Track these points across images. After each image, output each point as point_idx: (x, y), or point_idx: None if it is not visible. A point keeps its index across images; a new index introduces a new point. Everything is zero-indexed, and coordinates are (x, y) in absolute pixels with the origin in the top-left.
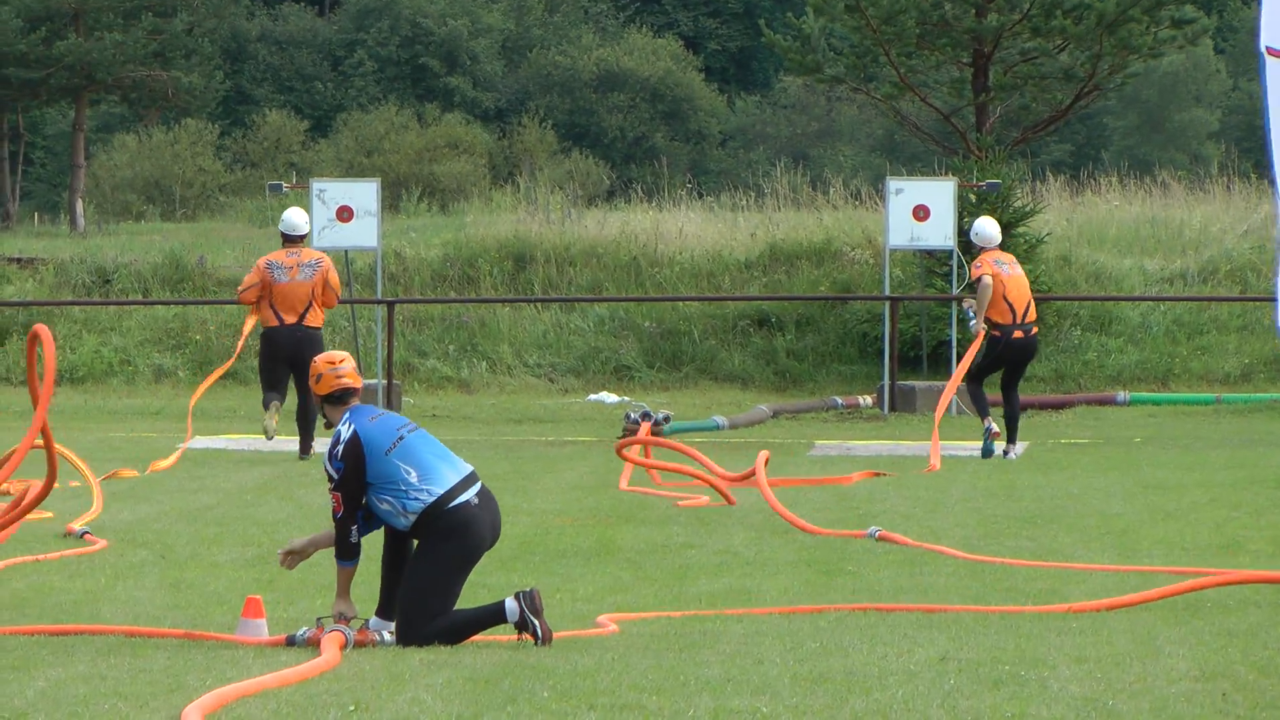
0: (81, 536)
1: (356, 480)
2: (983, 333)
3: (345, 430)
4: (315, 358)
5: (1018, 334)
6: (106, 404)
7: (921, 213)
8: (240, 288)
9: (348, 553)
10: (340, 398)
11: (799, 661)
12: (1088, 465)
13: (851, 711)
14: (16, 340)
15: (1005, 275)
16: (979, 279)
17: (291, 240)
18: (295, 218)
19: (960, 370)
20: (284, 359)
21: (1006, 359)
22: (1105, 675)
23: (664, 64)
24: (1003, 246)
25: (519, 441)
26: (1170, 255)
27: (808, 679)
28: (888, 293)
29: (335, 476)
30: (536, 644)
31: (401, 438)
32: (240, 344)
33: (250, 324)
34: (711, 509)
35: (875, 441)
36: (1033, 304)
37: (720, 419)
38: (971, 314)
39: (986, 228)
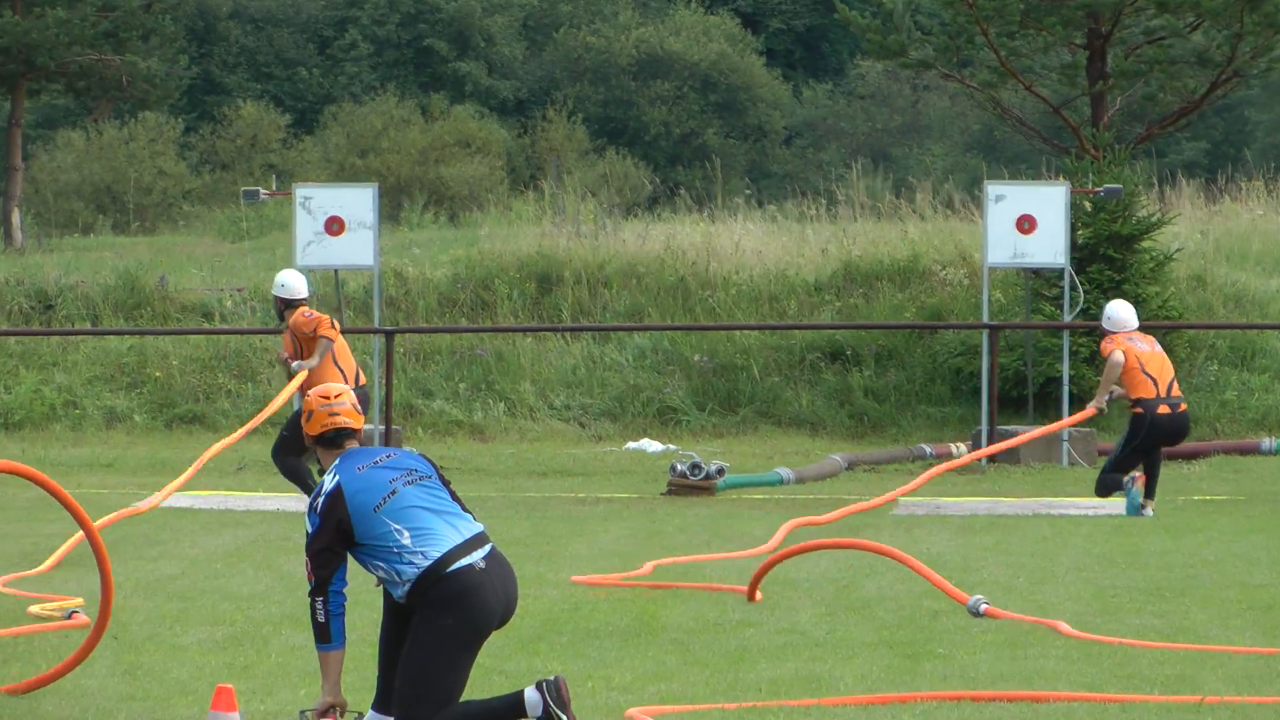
0: (69, 616)
1: (335, 542)
2: (1093, 410)
3: (329, 481)
4: (308, 392)
5: (1163, 409)
6: (48, 454)
7: (1026, 224)
8: (323, 324)
9: (320, 635)
10: (334, 439)
11: None
12: (1226, 527)
13: None
14: None
15: (1140, 350)
16: (1109, 355)
17: (296, 306)
18: (295, 280)
19: (1051, 428)
20: None
21: (1153, 441)
22: None
23: (717, 46)
24: (1124, 264)
25: (543, 499)
26: None
27: None
28: (986, 320)
29: (309, 533)
30: None
31: (395, 490)
32: (282, 398)
33: (297, 383)
34: (773, 578)
35: (971, 498)
36: (1176, 381)
37: (785, 471)
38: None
39: (1120, 311)
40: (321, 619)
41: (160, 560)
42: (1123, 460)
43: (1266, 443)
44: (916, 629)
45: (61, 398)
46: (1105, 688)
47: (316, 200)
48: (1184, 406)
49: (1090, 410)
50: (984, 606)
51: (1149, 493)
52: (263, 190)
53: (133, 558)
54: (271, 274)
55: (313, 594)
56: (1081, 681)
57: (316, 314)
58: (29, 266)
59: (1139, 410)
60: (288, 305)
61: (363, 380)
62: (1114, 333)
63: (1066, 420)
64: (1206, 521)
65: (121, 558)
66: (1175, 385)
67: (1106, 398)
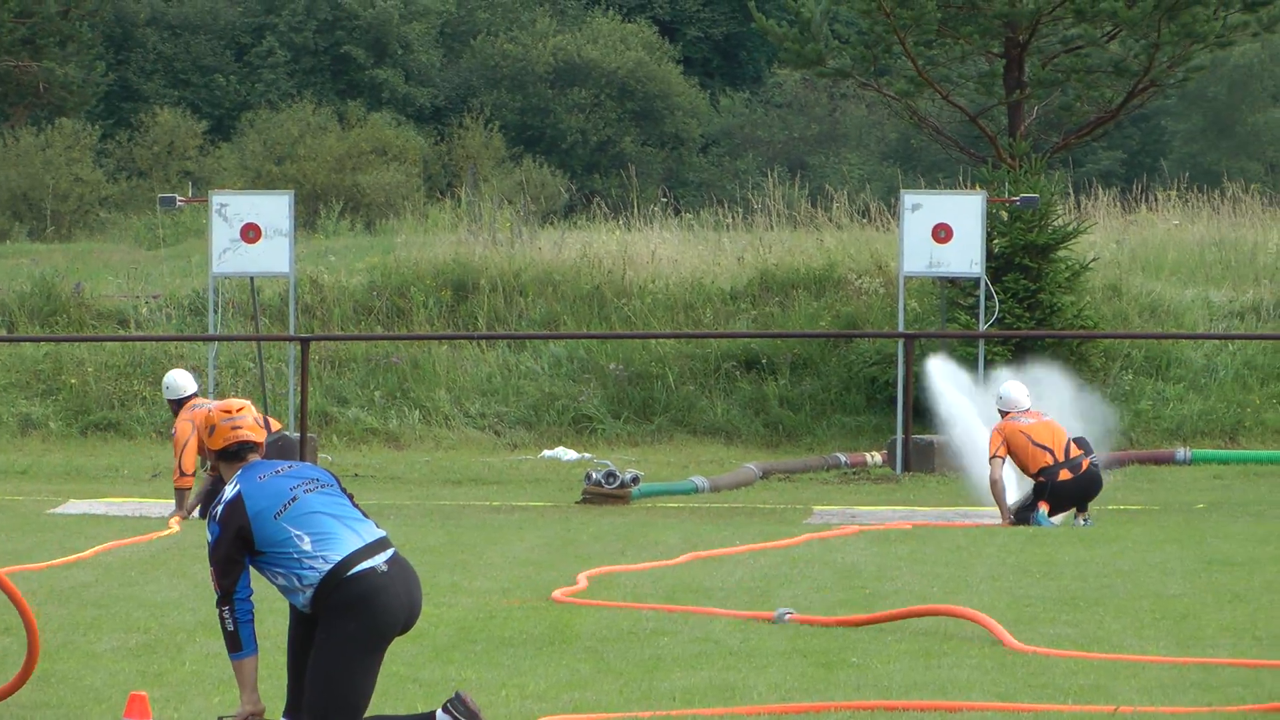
0: None
1: (236, 550)
2: (1005, 524)
3: (229, 490)
4: (211, 407)
5: (1064, 474)
6: None
7: (943, 233)
8: (185, 464)
9: (231, 644)
10: (237, 453)
11: None
12: (1141, 537)
13: None
14: None
15: (1026, 425)
16: (989, 471)
17: (184, 402)
18: (177, 379)
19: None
20: None
21: (1061, 505)
22: None
23: (634, 54)
24: (1040, 273)
25: (458, 507)
26: (1241, 285)
27: None
28: (902, 329)
29: (210, 541)
30: None
31: (295, 498)
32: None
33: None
34: (688, 588)
35: (886, 507)
36: (1074, 443)
37: (699, 480)
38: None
39: (1013, 391)
40: (231, 627)
41: (74, 567)
42: (1026, 511)
43: (1181, 452)
44: (830, 638)
45: None
46: (1019, 697)
47: (233, 207)
48: (1087, 464)
49: (1004, 524)
50: (788, 615)
51: (1081, 508)
52: (179, 197)
53: (46, 564)
54: (188, 281)
55: (220, 604)
56: (995, 691)
57: (186, 450)
58: None
59: (1041, 479)
60: (178, 404)
61: (275, 427)
62: (1006, 412)
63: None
64: (1121, 531)
65: (35, 564)
66: (1073, 446)
67: (1010, 506)
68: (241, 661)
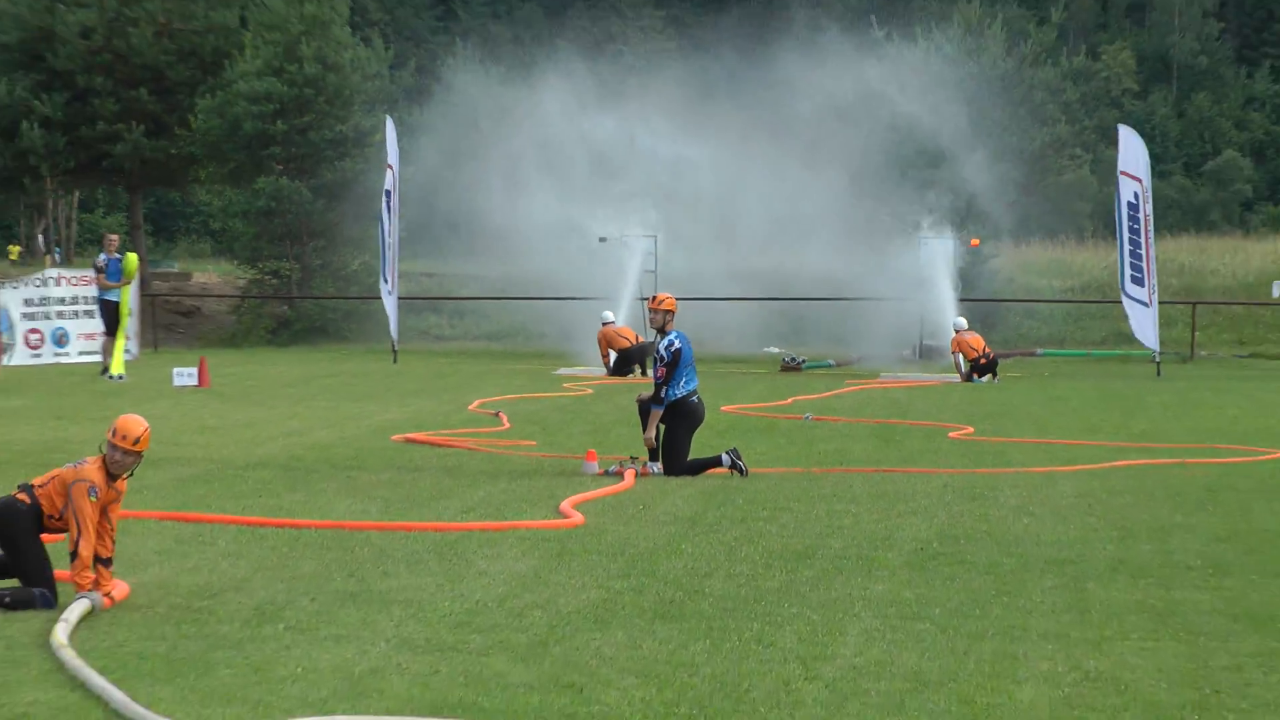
0: None
1: (677, 359)
2: (964, 379)
3: (676, 338)
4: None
5: (982, 361)
6: None
7: None
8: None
9: (655, 402)
10: (661, 327)
11: None
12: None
13: None
14: None
15: (969, 338)
16: (954, 353)
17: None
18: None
19: None
20: None
21: (981, 373)
22: None
23: None
24: None
25: None
26: None
27: None
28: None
29: (677, 348)
30: None
31: (690, 361)
32: None
33: None
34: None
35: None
36: (988, 346)
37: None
38: None
39: (963, 321)
40: (663, 395)
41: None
42: (967, 378)
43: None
44: None
45: None
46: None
47: None
48: (991, 354)
49: (961, 381)
50: (811, 417)
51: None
52: None
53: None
54: None
55: (664, 385)
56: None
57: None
58: None
59: (971, 363)
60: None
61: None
62: (959, 330)
63: None
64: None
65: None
66: (987, 348)
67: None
68: (657, 411)
